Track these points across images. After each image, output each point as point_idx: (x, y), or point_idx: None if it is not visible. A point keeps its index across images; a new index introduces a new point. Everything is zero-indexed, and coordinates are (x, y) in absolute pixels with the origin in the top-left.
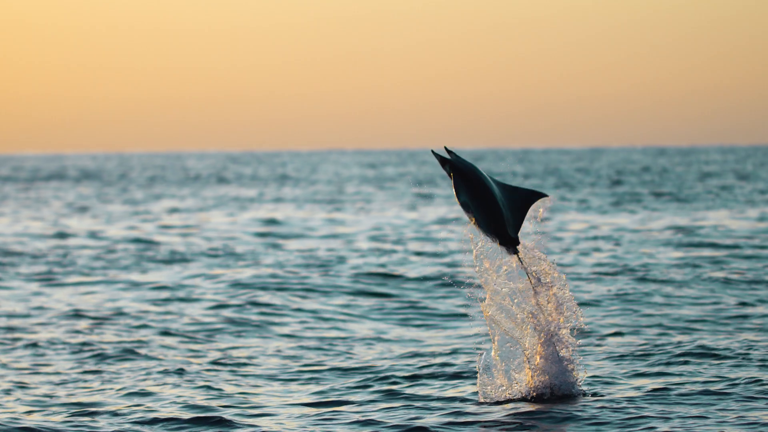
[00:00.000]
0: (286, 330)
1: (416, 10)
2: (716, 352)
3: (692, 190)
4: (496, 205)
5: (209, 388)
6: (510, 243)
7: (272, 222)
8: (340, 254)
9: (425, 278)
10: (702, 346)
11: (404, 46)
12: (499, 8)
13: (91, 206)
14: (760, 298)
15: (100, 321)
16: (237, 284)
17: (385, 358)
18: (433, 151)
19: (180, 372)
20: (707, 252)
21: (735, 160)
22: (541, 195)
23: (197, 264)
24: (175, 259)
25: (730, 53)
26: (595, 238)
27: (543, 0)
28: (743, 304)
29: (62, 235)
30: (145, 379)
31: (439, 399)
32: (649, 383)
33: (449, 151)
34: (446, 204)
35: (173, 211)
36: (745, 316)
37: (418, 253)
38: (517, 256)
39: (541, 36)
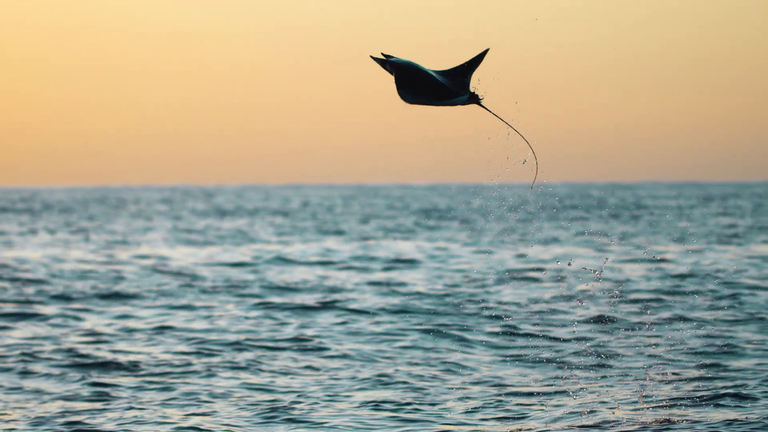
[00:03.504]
0: (364, 350)
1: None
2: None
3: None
4: (440, 76)
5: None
6: (471, 98)
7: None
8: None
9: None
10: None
11: (363, 86)
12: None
13: (100, 234)
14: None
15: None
16: (298, 307)
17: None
18: (372, 56)
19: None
20: (696, 280)
21: (686, 196)
22: (484, 52)
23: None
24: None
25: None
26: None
27: (502, 51)
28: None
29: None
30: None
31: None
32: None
33: (386, 55)
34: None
35: (181, 242)
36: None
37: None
38: (481, 104)
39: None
